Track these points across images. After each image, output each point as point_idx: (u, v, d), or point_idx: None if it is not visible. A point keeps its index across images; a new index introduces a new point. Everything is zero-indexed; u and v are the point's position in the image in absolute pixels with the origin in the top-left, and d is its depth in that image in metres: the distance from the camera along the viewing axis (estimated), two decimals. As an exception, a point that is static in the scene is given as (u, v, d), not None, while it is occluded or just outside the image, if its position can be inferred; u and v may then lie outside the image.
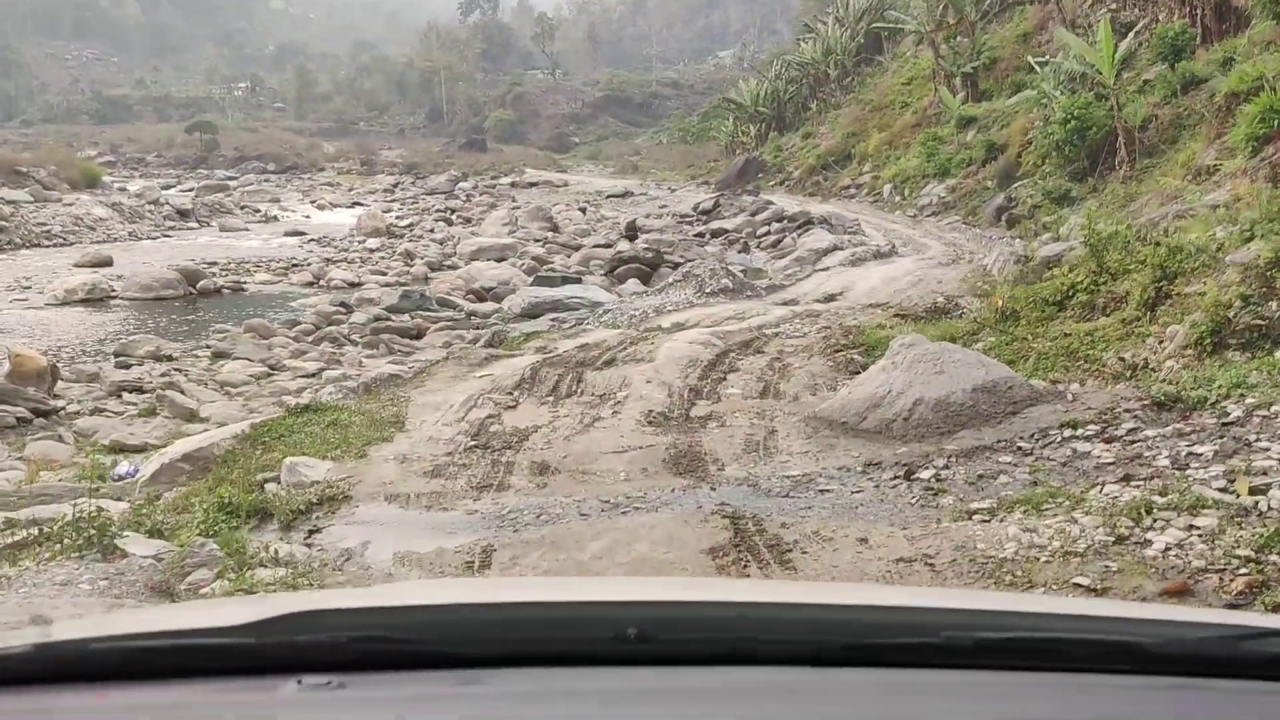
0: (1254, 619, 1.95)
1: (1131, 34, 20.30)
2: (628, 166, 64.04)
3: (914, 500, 6.40)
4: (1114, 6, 27.81)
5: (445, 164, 63.15)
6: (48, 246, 30.49)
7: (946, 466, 6.90)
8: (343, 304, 18.57)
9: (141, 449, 9.42)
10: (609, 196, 44.40)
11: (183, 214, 39.09)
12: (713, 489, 6.92)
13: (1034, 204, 21.16)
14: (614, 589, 1.88)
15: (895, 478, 6.84)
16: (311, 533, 6.36)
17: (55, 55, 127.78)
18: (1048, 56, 25.13)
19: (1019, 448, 7.07)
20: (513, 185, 52.17)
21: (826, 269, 18.17)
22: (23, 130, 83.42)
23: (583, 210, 37.66)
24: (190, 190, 47.54)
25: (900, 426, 7.77)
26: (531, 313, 17.24)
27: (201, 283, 22.78)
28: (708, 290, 16.12)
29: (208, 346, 15.12)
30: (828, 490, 6.74)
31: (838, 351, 10.89)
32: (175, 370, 13.51)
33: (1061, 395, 7.93)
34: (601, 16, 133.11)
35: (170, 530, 6.36)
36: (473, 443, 8.25)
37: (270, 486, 7.04)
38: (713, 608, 1.46)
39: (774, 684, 1.23)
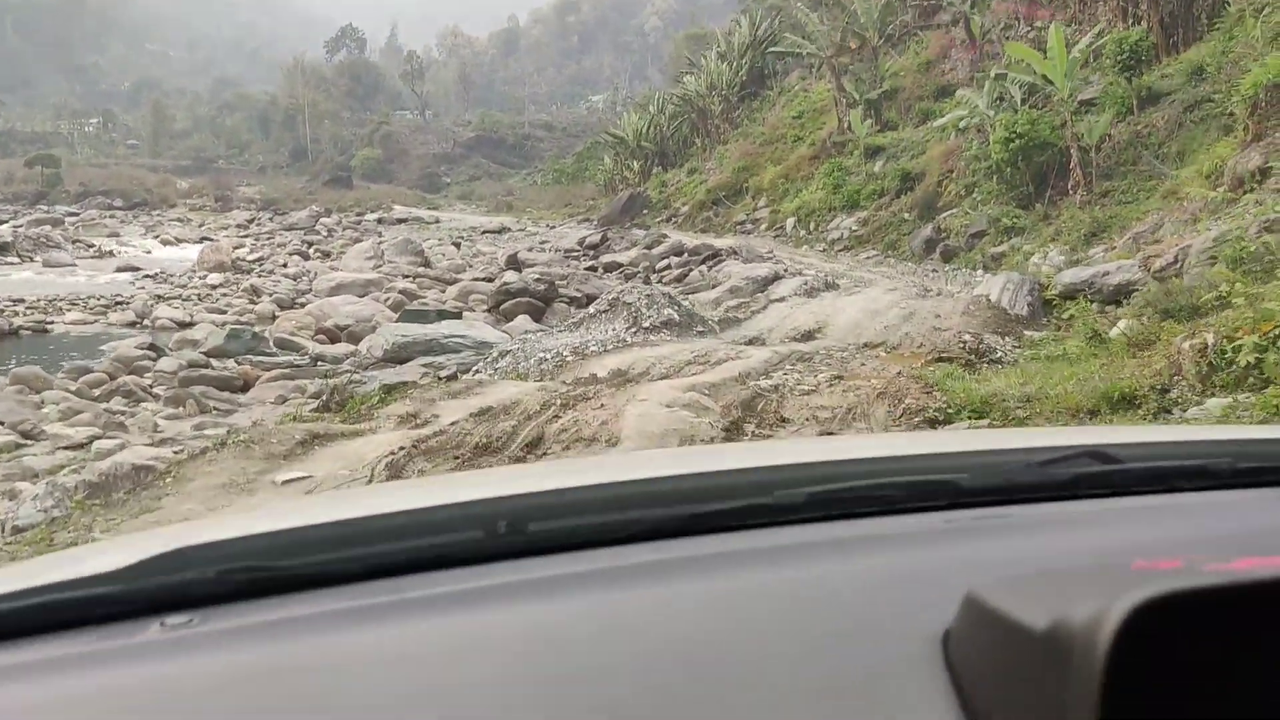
0: (1063, 436, 1.79)
1: (1091, 34, 18.07)
2: (502, 205, 61.58)
3: None
4: (1026, 31, 26.10)
5: (307, 200, 60.18)
6: None
7: None
8: (151, 346, 14.72)
9: None
10: (484, 232, 41.74)
11: (1, 249, 35.02)
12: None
13: (973, 234, 18.79)
14: (492, 484, 1.59)
15: None
16: None
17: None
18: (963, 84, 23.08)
19: None
20: (379, 221, 49.17)
21: (782, 299, 14.71)
22: None
23: (457, 245, 34.55)
24: (20, 225, 42.98)
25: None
26: (398, 355, 13.82)
27: (-7, 322, 18.89)
28: (645, 324, 12.41)
29: (-43, 404, 11.35)
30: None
31: (931, 420, 6.94)
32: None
33: None
34: (472, 59, 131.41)
35: None
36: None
37: None
38: (575, 492, 1.36)
39: (618, 568, 1.13)
